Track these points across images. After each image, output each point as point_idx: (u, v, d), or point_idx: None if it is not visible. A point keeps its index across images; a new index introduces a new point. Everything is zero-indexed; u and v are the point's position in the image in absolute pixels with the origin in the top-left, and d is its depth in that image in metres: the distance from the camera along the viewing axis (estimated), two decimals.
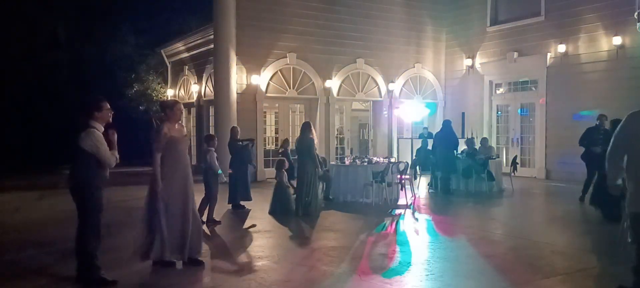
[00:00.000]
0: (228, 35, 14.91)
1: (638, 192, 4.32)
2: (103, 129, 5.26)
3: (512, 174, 13.49)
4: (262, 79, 15.72)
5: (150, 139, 6.04)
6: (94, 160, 5.14)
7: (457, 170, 12.77)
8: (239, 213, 9.72)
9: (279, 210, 9.75)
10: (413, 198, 11.25)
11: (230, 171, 10.04)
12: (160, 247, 5.79)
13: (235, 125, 11.63)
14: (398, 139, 18.15)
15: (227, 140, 10.83)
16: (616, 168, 4.52)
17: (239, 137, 10.52)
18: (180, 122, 6.13)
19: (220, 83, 15.03)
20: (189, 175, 5.99)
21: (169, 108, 6.06)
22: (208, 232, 8.03)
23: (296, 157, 10.18)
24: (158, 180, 5.75)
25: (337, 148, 17.64)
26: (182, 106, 6.37)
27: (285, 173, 10.19)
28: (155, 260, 5.86)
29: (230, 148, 10.48)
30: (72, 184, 5.22)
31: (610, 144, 4.60)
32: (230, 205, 10.11)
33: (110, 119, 5.37)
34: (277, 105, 17.01)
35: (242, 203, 10.16)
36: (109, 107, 5.34)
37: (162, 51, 21.60)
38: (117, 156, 5.35)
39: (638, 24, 12.77)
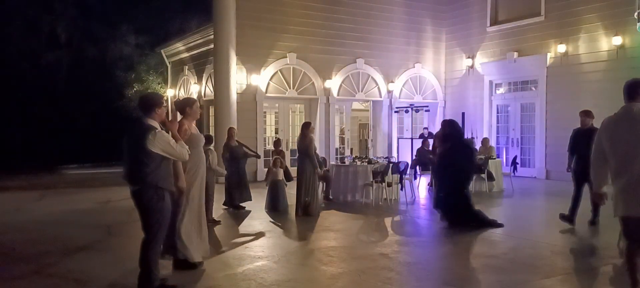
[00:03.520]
0: (228, 35, 14.91)
1: (618, 197, 4.27)
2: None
3: (512, 174, 13.50)
4: (262, 79, 15.73)
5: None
6: (164, 163, 4.80)
7: None
8: (238, 214, 9.71)
9: (273, 207, 9.84)
10: (413, 198, 11.24)
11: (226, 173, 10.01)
12: (186, 248, 5.75)
13: (233, 126, 11.61)
14: (398, 138, 18.16)
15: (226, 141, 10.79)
16: (600, 176, 4.45)
17: (236, 138, 10.48)
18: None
19: (220, 83, 15.02)
20: (205, 174, 6.04)
21: (189, 106, 5.90)
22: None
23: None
24: (182, 177, 5.51)
25: (337, 149, 17.63)
26: None
27: (281, 171, 10.21)
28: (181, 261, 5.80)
29: (229, 150, 10.44)
30: (135, 189, 4.86)
31: (592, 150, 4.51)
32: (230, 206, 10.10)
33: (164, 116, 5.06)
34: (277, 105, 17.00)
35: (241, 204, 10.15)
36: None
37: (162, 51, 21.60)
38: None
39: (638, 24, 12.77)
